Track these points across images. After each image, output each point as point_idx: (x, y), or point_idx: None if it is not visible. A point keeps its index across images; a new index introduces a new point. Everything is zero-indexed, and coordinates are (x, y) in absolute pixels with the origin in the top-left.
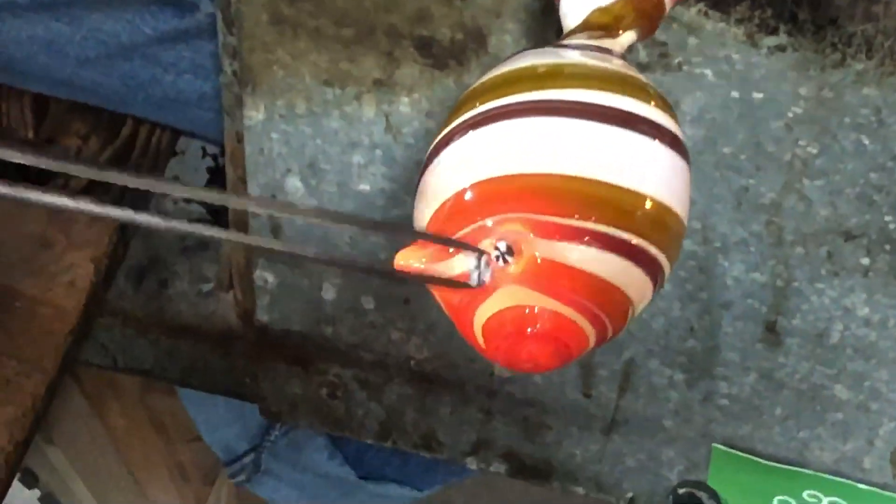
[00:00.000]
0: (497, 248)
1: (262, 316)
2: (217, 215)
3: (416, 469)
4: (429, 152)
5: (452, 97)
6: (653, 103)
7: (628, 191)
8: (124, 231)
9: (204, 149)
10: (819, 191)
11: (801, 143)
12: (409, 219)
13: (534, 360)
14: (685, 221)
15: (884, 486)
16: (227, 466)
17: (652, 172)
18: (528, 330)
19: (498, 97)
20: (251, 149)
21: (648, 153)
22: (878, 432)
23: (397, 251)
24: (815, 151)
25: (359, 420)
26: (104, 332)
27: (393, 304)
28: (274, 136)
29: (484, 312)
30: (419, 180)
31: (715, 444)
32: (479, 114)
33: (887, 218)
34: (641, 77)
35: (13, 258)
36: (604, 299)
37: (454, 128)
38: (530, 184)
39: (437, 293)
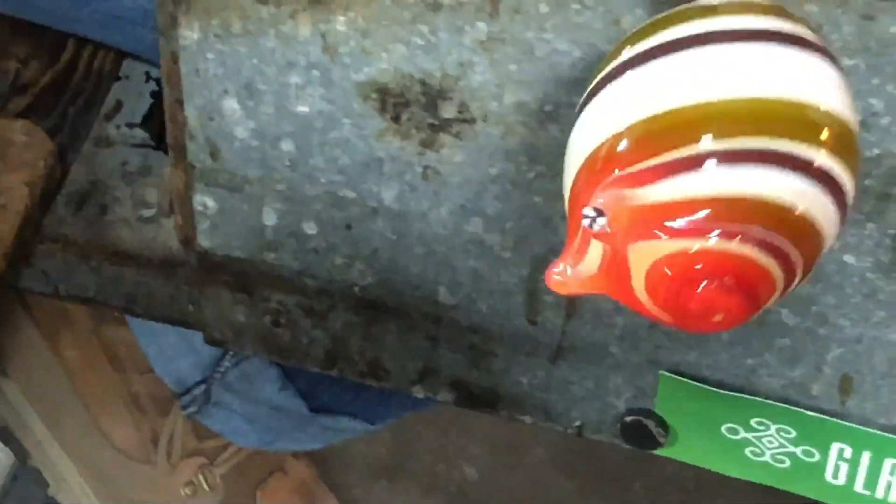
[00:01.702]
0: (585, 216)
1: (203, 242)
2: (161, 141)
3: (368, 402)
4: (577, 107)
5: (389, 15)
6: (803, 24)
7: (807, 104)
8: (63, 156)
9: (148, 73)
10: None
11: None
12: (346, 141)
13: (709, 308)
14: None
15: (832, 413)
16: (178, 398)
17: (827, 87)
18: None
19: (648, 37)
20: (187, 69)
21: (821, 69)
22: (825, 358)
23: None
24: None
25: (304, 348)
26: (45, 259)
27: (335, 229)
28: (209, 56)
29: (636, 279)
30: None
31: (662, 372)
32: (634, 56)
33: None
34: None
35: None
36: (783, 228)
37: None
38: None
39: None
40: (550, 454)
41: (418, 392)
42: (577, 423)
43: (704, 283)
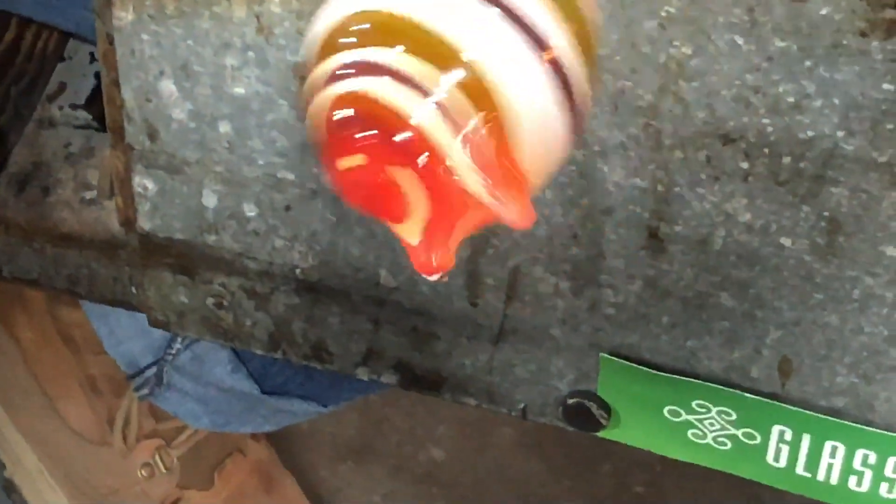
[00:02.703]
0: None
1: (144, 224)
2: (104, 120)
3: (320, 384)
4: None
5: None
6: None
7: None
8: (5, 137)
9: (92, 54)
10: (695, 92)
11: (675, 43)
12: (284, 123)
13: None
14: None
15: (773, 396)
16: (130, 380)
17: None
18: None
19: None
20: (122, 51)
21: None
22: (764, 341)
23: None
24: (689, 52)
25: (247, 331)
26: None
27: (274, 211)
28: (144, 37)
29: None
30: None
31: (603, 354)
32: None
33: (765, 121)
34: None
35: None
36: None
37: None
38: None
39: None
40: (518, 435)
41: (362, 374)
42: (521, 406)
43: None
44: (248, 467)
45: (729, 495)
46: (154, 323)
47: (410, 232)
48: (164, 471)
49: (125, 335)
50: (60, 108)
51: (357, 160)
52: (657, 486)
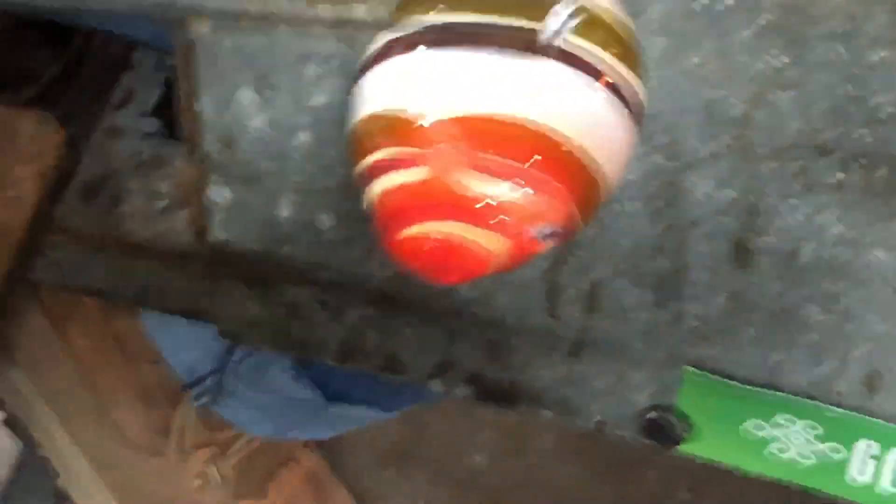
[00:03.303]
0: None
1: (217, 234)
2: (174, 130)
3: (383, 390)
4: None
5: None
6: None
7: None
8: (74, 148)
9: (159, 62)
10: (790, 103)
11: (772, 51)
12: None
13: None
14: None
15: (858, 409)
16: (189, 389)
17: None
18: None
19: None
20: (201, 60)
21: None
22: (851, 354)
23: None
24: (786, 61)
25: (319, 342)
26: (56, 251)
27: (352, 221)
28: (225, 46)
29: None
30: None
31: (685, 367)
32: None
33: (862, 131)
34: None
35: None
36: None
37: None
38: None
39: None
40: (560, 441)
41: (435, 387)
42: (598, 419)
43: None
44: (301, 476)
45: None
46: (224, 335)
47: None
48: (218, 480)
49: (185, 344)
50: (128, 116)
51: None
52: (701, 492)
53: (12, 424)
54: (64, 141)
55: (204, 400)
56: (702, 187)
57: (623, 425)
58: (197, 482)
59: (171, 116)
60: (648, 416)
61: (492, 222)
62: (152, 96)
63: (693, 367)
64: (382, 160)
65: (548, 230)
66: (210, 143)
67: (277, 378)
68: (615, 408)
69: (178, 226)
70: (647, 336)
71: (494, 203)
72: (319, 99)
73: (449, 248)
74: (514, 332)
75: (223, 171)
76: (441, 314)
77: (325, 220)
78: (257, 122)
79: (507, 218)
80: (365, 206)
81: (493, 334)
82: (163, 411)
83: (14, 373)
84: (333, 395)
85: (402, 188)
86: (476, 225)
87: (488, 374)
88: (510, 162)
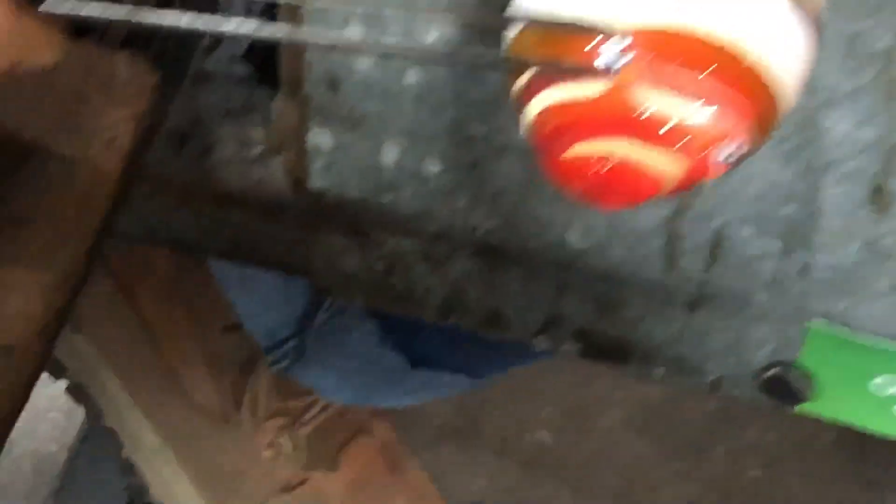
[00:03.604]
0: None
1: (316, 182)
2: (264, 73)
3: (471, 356)
4: None
5: None
6: None
7: None
8: (163, 94)
9: (250, 3)
10: None
11: None
12: (477, 74)
13: None
14: None
15: None
16: (267, 353)
17: None
18: None
19: None
20: None
21: None
22: None
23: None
24: None
25: (418, 297)
26: (144, 203)
27: (459, 168)
28: None
29: None
30: None
31: (810, 321)
32: None
33: None
34: None
35: (46, 115)
36: None
37: None
38: None
39: None
40: (627, 417)
41: (541, 344)
42: (713, 378)
43: None
44: (374, 448)
45: (845, 479)
46: (319, 289)
47: None
48: (290, 451)
49: (264, 306)
50: (218, 61)
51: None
52: (773, 469)
53: (76, 393)
54: (157, 84)
55: (283, 364)
56: (840, 126)
57: (741, 383)
58: (269, 453)
59: (261, 61)
60: (769, 373)
61: (670, 142)
62: (243, 40)
63: (818, 320)
64: (549, 74)
65: (729, 151)
66: (313, 85)
67: (360, 342)
68: (733, 365)
69: (272, 174)
70: (772, 288)
71: (676, 121)
72: (432, 35)
73: (619, 170)
74: (627, 286)
75: (325, 115)
76: (550, 266)
77: (432, 167)
78: (364, 61)
79: (688, 138)
80: (524, 125)
81: (605, 287)
82: (234, 379)
83: (79, 339)
84: (418, 361)
85: (570, 104)
86: (652, 145)
87: (598, 329)
88: (693, 78)
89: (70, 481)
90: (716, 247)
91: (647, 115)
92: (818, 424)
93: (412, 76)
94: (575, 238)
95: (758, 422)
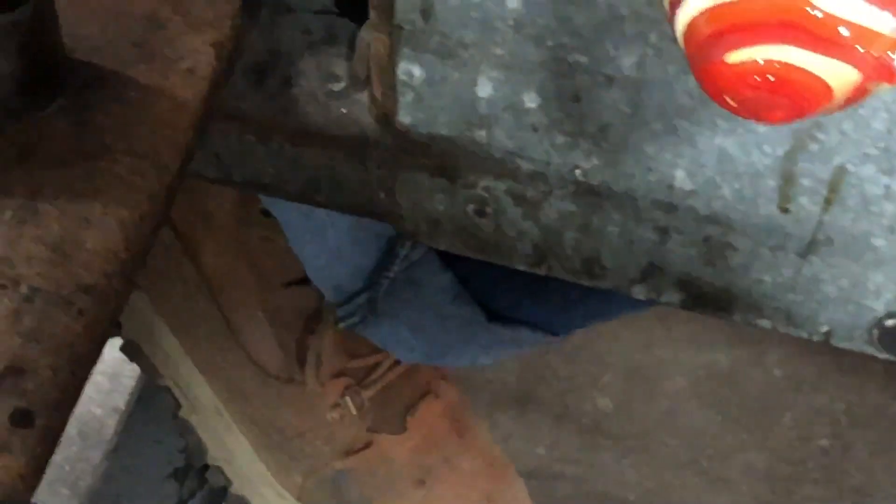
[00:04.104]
0: None
1: (404, 118)
2: (344, 6)
3: (551, 310)
4: None
5: None
6: None
7: None
8: (241, 25)
9: None
10: None
11: None
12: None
13: None
14: None
15: None
16: (337, 308)
17: None
18: None
19: None
20: None
21: None
22: None
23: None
24: None
25: (510, 242)
26: (219, 140)
27: (560, 101)
28: None
29: None
30: None
31: None
32: None
33: None
34: None
35: (123, 41)
36: None
37: None
38: None
39: None
40: (690, 383)
41: (640, 293)
42: (825, 329)
43: None
44: (441, 411)
45: None
46: (402, 233)
47: None
48: (354, 413)
49: (333, 259)
50: None
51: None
52: (842, 438)
53: (130, 351)
54: (237, 12)
55: (353, 320)
56: None
57: (855, 336)
58: (333, 415)
59: None
60: (886, 323)
61: (842, 47)
62: None
63: None
64: None
65: None
66: (404, 13)
67: (435, 297)
68: (848, 316)
69: (356, 110)
70: (893, 232)
71: (849, 24)
72: None
73: (784, 78)
74: (735, 230)
75: (416, 45)
76: (652, 209)
77: (529, 101)
78: None
79: (864, 48)
80: (676, 30)
81: (711, 231)
82: (297, 337)
83: (134, 294)
84: (494, 316)
85: (729, 5)
86: (822, 50)
87: (702, 277)
88: None
89: (124, 443)
90: (834, 187)
91: (817, 16)
92: (887, 393)
93: (512, 1)
94: (681, 178)
95: (825, 390)
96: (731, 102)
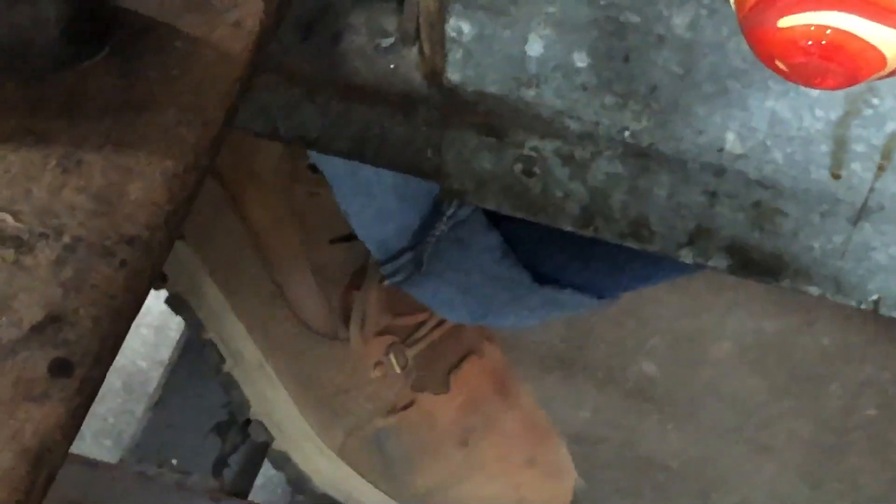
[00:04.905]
0: None
1: (453, 75)
2: None
3: (597, 273)
4: None
5: None
6: None
7: None
8: None
9: None
10: None
11: None
12: None
13: None
14: None
15: None
16: (381, 265)
17: None
18: None
19: None
20: None
21: None
22: None
23: None
24: None
25: (557, 203)
26: (266, 94)
27: (610, 61)
28: None
29: None
30: None
31: None
32: None
33: None
34: None
35: None
36: None
37: None
38: None
39: None
40: (737, 350)
41: (686, 257)
42: (874, 297)
43: None
44: (484, 371)
45: None
46: (447, 192)
47: None
48: (397, 371)
49: (380, 216)
50: None
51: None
52: (889, 409)
53: (175, 304)
54: None
55: (398, 278)
56: None
57: None
58: (376, 372)
59: None
60: None
61: None
62: None
63: None
64: None
65: None
66: None
67: (482, 256)
68: None
69: (405, 66)
70: None
71: None
72: None
73: (835, 46)
74: (786, 195)
75: (467, 1)
76: (702, 172)
77: (579, 61)
78: None
79: None
80: None
81: (761, 196)
82: (342, 294)
83: (179, 246)
84: (541, 278)
85: None
86: (876, 21)
87: (751, 242)
88: None
89: (168, 396)
90: (887, 153)
91: None
92: None
93: None
94: (732, 141)
95: (873, 358)
96: (783, 67)
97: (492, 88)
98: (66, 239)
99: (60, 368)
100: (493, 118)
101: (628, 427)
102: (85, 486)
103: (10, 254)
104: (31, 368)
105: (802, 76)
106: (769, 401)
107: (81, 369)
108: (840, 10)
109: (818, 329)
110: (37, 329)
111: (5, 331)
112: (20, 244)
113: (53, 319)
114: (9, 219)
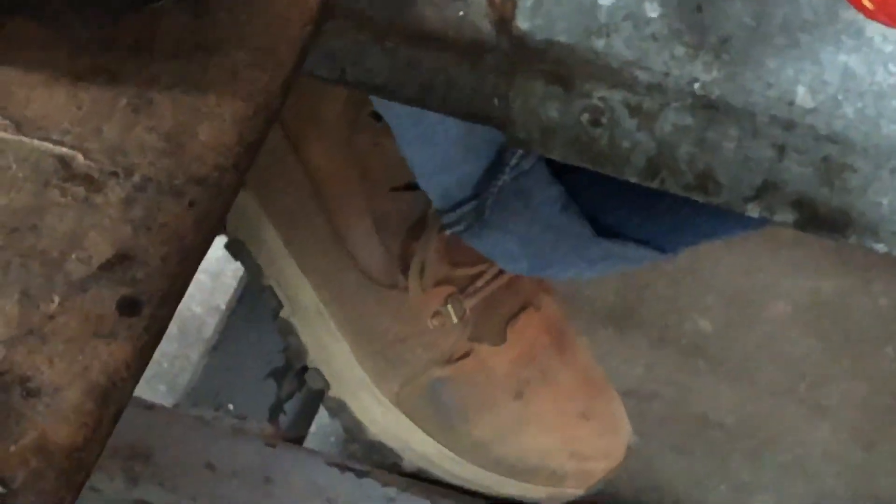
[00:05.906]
0: None
1: (522, 23)
2: None
3: (660, 227)
4: None
5: None
6: None
7: None
8: None
9: None
10: None
11: None
12: None
13: None
14: None
15: None
16: (443, 215)
17: None
18: None
19: None
20: None
21: None
22: None
23: None
24: None
25: (623, 154)
26: (334, 39)
27: (681, 11)
28: None
29: None
30: None
31: None
32: None
33: None
34: None
35: None
36: None
37: None
38: None
39: None
40: (793, 309)
41: (753, 211)
42: None
43: None
44: (542, 324)
45: None
46: (514, 141)
47: None
48: (455, 321)
49: (443, 165)
50: None
51: None
52: None
53: (235, 249)
54: None
55: (459, 227)
56: None
57: None
58: (434, 322)
59: None
60: None
61: None
62: None
63: None
64: None
65: None
66: None
67: (543, 208)
68: None
69: (473, 13)
70: None
71: None
72: None
73: None
74: (856, 150)
75: None
76: (771, 126)
77: (650, 11)
78: None
79: None
80: None
81: (830, 151)
82: (402, 243)
83: (240, 193)
84: (602, 230)
85: None
86: None
87: (818, 198)
88: None
89: (224, 342)
90: None
91: None
92: None
93: None
94: (802, 95)
95: None
96: (868, 5)
97: (561, 37)
98: (136, 178)
99: (129, 306)
100: (561, 67)
101: (682, 384)
102: (142, 429)
103: (80, 192)
104: (99, 306)
105: (890, 14)
106: (824, 361)
107: (149, 308)
108: None
109: (875, 289)
110: (106, 267)
111: (75, 268)
112: (90, 182)
113: (122, 258)
114: (79, 157)
